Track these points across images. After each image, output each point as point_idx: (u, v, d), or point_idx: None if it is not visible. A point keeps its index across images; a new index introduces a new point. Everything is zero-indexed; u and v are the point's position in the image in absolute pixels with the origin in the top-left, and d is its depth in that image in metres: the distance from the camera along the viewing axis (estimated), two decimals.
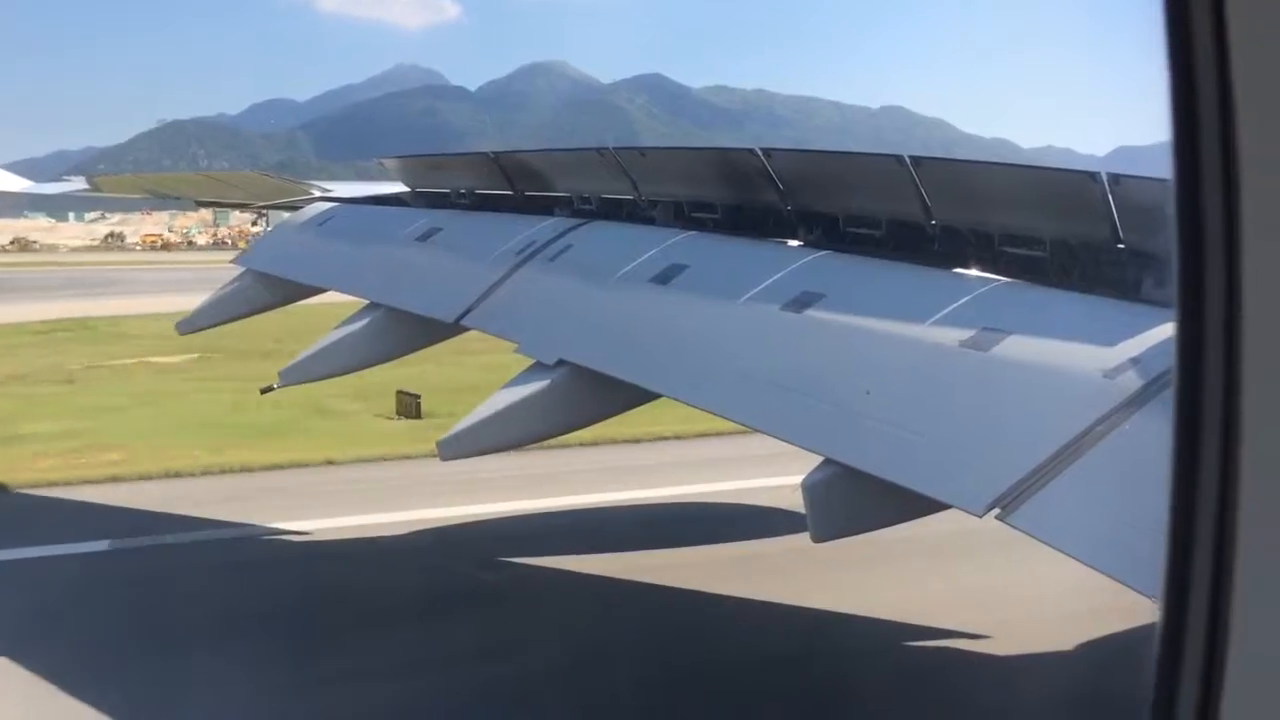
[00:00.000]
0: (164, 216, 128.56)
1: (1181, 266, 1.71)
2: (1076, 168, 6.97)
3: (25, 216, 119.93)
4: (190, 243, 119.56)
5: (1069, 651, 10.29)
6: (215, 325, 13.61)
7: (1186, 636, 1.73)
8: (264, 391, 12.20)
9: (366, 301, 11.01)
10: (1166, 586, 1.77)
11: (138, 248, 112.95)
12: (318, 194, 13.94)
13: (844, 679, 10.33)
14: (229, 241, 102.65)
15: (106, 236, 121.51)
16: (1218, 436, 1.68)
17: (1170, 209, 1.71)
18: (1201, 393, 1.70)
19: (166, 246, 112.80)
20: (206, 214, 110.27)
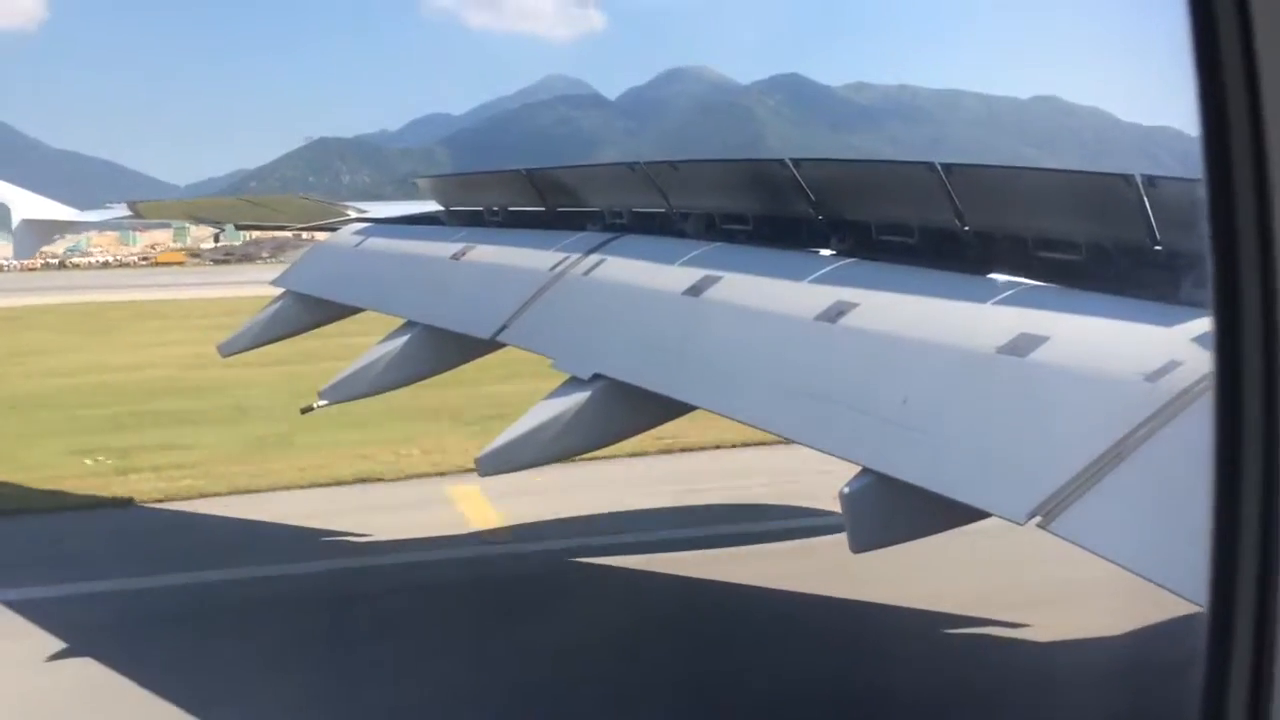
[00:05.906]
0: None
1: (1217, 269, 1.76)
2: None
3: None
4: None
5: None
6: (256, 347, 13.45)
7: (1234, 642, 1.77)
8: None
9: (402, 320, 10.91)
10: (1212, 591, 1.80)
11: None
12: (353, 214, 13.88)
13: None
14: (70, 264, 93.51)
15: None
16: (1259, 439, 1.72)
17: (1204, 211, 1.76)
18: (1241, 394, 1.75)
19: None
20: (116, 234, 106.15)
